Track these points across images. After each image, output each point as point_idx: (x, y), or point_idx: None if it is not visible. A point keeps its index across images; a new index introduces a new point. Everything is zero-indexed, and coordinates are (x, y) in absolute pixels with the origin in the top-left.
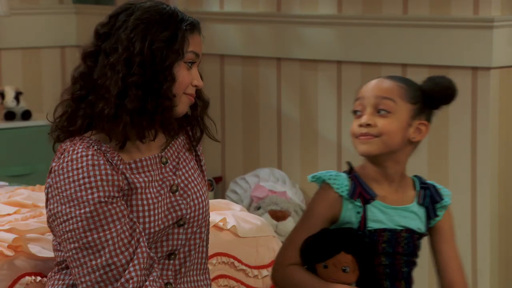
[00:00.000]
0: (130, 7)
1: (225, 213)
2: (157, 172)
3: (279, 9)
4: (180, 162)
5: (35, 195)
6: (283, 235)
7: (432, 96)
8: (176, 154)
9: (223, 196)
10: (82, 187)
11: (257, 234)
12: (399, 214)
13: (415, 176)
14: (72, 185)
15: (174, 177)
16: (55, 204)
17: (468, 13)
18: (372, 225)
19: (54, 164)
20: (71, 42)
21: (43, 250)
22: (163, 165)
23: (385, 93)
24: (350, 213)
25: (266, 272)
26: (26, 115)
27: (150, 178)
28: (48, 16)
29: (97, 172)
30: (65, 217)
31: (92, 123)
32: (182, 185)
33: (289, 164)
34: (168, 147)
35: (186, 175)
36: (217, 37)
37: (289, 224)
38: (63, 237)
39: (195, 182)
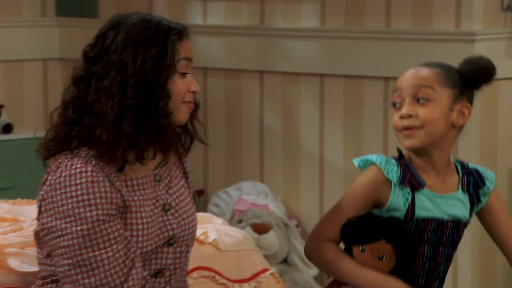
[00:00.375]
0: (115, 25)
1: (206, 227)
2: (151, 190)
3: (263, 22)
4: (172, 180)
5: (16, 209)
6: (264, 248)
7: (470, 77)
8: (168, 171)
9: (205, 210)
10: (81, 203)
11: (239, 247)
12: (446, 203)
13: (457, 160)
14: (69, 200)
15: (167, 195)
16: (49, 219)
17: (450, 27)
18: (420, 213)
19: (50, 177)
20: (53, 55)
21: (23, 264)
22: (157, 183)
23: (422, 81)
24: (398, 200)
25: (247, 286)
26: (8, 128)
27: (145, 197)
28: (31, 29)
29: (96, 190)
30: (59, 233)
31: (86, 143)
32: (173, 203)
33: (272, 177)
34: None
35: (178, 193)
36: (200, 50)
37: (271, 238)
38: (56, 252)
39: (186, 201)
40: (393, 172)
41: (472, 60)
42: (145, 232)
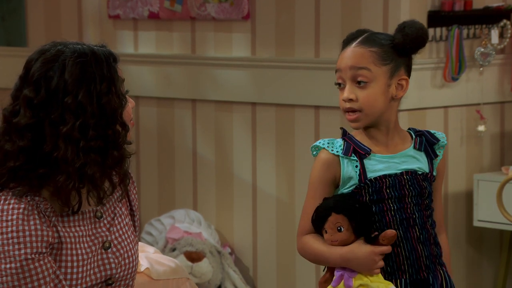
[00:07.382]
0: (51, 66)
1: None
2: (89, 227)
3: (194, 52)
4: (115, 217)
5: None
6: (198, 277)
7: (405, 47)
8: (112, 209)
9: (138, 238)
10: (10, 241)
11: (171, 276)
12: (398, 160)
13: (410, 128)
14: None
15: (107, 233)
16: None
17: None
18: (371, 175)
19: None
20: None
21: None
22: (97, 220)
23: (359, 63)
24: (348, 169)
25: None
26: None
27: (81, 233)
28: None
29: (27, 227)
30: None
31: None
32: (115, 242)
33: (205, 205)
34: (105, 201)
35: (121, 232)
36: (132, 79)
37: (205, 266)
38: None
39: (129, 240)
40: (338, 147)
41: (405, 29)
42: (79, 269)
